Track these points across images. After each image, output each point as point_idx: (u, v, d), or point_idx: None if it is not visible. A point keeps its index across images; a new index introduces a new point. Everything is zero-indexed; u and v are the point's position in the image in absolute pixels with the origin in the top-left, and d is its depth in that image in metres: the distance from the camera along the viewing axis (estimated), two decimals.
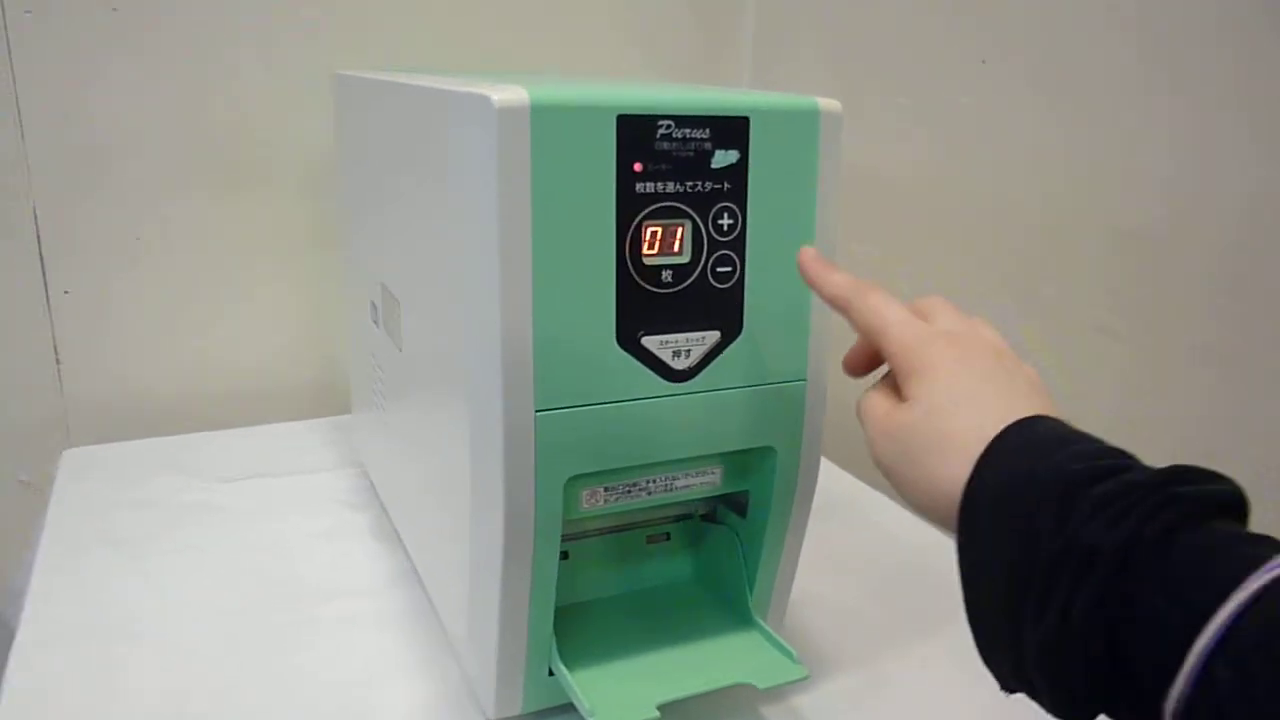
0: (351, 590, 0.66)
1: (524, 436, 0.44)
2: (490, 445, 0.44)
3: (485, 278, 0.42)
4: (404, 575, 0.67)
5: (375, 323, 0.67)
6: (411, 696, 0.55)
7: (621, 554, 0.56)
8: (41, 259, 0.85)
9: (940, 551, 0.75)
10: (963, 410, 0.37)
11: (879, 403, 0.40)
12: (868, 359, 0.44)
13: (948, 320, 0.41)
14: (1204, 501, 0.31)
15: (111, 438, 0.87)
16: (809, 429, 0.50)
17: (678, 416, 0.47)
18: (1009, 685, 0.35)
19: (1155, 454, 0.34)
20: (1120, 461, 0.33)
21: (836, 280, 0.43)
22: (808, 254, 0.45)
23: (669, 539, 0.57)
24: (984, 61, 0.86)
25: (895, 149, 0.96)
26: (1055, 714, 0.33)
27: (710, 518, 0.57)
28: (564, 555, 0.53)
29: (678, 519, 0.57)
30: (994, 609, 0.34)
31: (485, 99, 0.41)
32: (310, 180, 0.92)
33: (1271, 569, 0.27)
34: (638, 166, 0.43)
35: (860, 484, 0.84)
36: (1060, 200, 0.80)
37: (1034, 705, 0.33)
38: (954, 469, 0.35)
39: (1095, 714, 0.32)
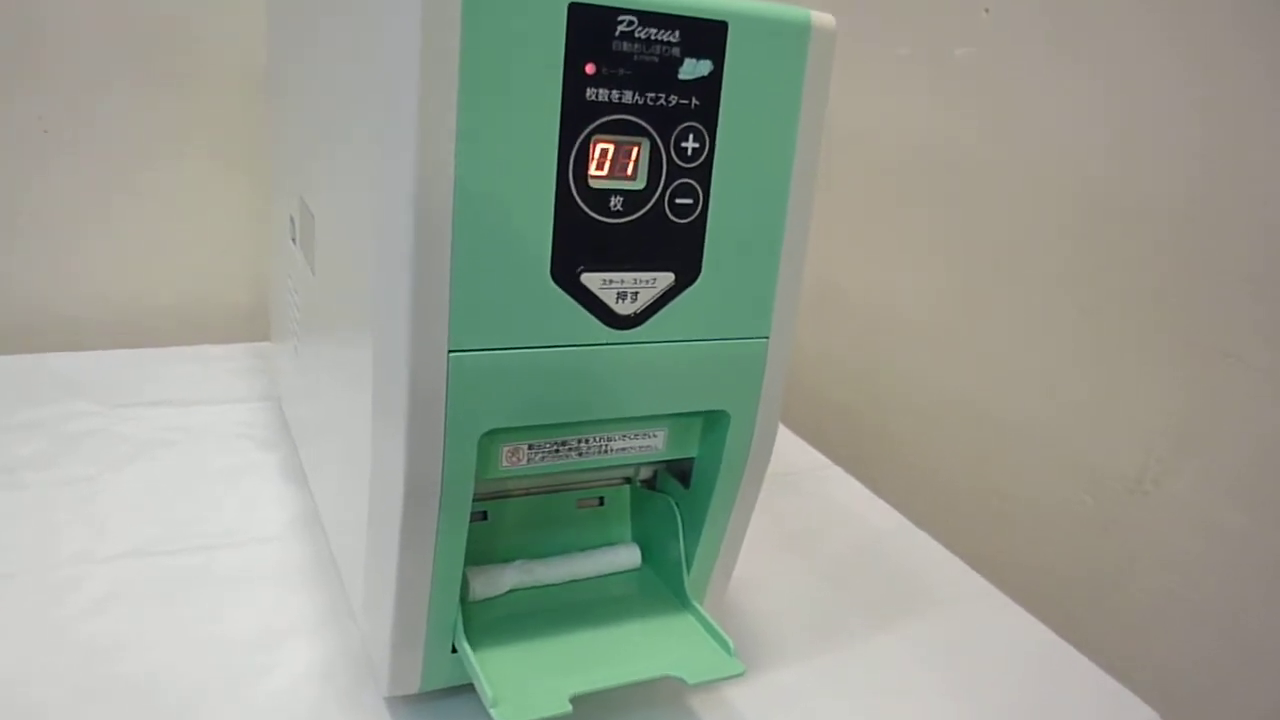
0: (252, 537, 0.59)
1: (434, 380, 0.37)
2: (394, 388, 0.37)
3: (400, 187, 0.35)
4: (312, 523, 0.61)
5: (293, 241, 0.59)
6: (304, 661, 0.49)
7: (547, 518, 0.49)
8: None
9: (901, 535, 0.70)
10: None
11: None
12: None
13: None
14: None
15: (4, 350, 0.80)
16: (768, 394, 0.44)
17: (618, 369, 0.40)
18: None
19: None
20: None
21: None
22: None
23: (602, 504, 0.51)
24: (987, 11, 0.79)
25: (883, 100, 0.90)
26: None
27: (650, 484, 0.51)
28: (482, 515, 0.47)
29: (613, 483, 0.51)
30: None
31: None
32: (252, 82, 0.84)
33: None
34: (590, 68, 0.36)
35: (821, 458, 0.79)
36: (1061, 173, 0.74)
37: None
38: None
39: None
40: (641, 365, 0.41)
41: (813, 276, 0.41)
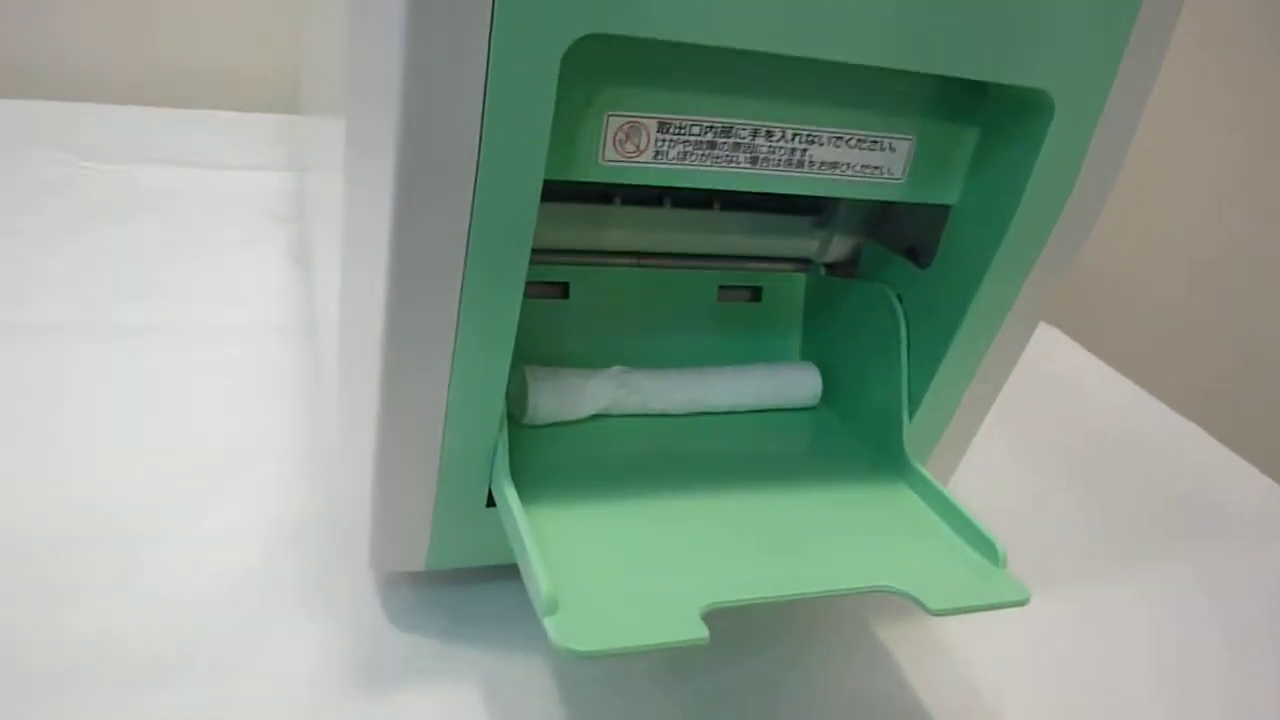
0: (232, 327, 0.43)
1: None
2: None
3: None
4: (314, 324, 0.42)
5: None
6: (265, 507, 0.31)
7: (669, 309, 0.29)
8: None
9: (1159, 420, 0.48)
10: None
11: None
12: None
13: None
14: None
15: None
16: (1132, 72, 0.22)
17: None
18: None
19: None
20: None
21: None
22: None
23: (759, 299, 0.30)
24: None
25: None
26: None
27: (845, 269, 0.30)
28: (561, 290, 0.27)
29: (780, 268, 0.30)
30: None
31: None
32: None
33: None
34: None
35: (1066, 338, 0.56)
36: None
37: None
38: None
39: None
40: None
41: None
